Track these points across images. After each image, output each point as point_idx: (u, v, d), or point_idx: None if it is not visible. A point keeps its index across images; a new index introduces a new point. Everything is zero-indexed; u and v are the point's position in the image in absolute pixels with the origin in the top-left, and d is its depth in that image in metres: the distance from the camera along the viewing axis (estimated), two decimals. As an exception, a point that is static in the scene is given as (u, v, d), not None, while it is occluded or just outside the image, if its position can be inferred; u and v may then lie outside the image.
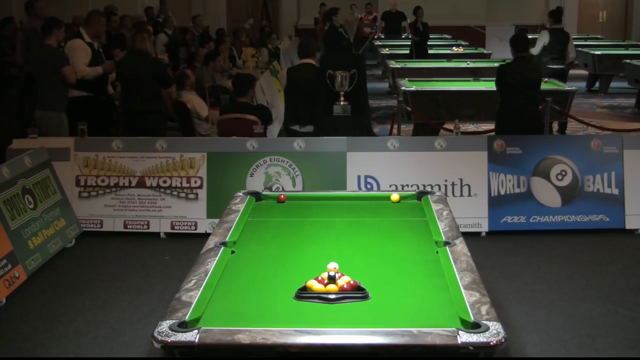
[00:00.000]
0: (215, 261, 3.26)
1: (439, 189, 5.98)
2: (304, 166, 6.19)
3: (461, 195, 6.14)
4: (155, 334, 2.53)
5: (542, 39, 9.98)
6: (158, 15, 13.95)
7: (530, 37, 18.91)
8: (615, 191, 6.13)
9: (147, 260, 5.60)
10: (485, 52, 15.10)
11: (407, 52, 14.54)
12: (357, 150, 6.20)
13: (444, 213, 3.99)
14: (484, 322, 2.57)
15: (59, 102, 6.89)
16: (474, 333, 2.48)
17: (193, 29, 13.46)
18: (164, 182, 6.17)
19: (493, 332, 2.50)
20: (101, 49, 7.88)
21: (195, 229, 6.12)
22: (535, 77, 7.04)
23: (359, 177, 6.15)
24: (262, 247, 3.62)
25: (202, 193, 6.15)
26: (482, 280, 3.02)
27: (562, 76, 9.74)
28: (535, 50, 9.87)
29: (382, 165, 6.17)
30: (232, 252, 3.48)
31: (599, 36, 19.17)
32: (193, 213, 6.14)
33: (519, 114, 6.88)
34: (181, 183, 6.17)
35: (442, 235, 3.61)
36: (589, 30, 21.07)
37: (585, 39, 17.23)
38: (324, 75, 6.69)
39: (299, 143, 6.26)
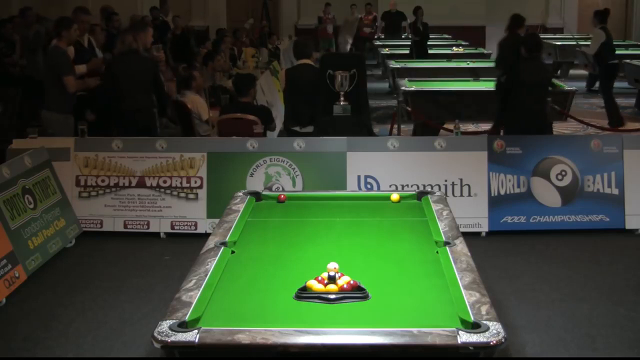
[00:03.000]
0: (215, 261, 3.26)
1: (439, 189, 5.98)
2: (304, 166, 6.19)
3: (461, 195, 6.14)
4: (155, 334, 2.53)
5: (599, 39, 10.45)
6: (159, 15, 13.96)
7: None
8: (615, 191, 6.13)
9: (147, 260, 5.60)
10: (485, 52, 15.09)
11: (407, 52, 14.54)
12: (357, 150, 6.20)
13: (444, 213, 3.99)
14: (484, 322, 2.57)
15: (65, 103, 6.78)
16: (474, 333, 2.48)
17: (174, 30, 13.44)
18: (164, 182, 6.17)
19: (493, 332, 2.50)
20: (94, 41, 7.83)
21: (195, 229, 6.12)
22: (547, 77, 7.13)
23: (359, 177, 6.15)
24: (262, 247, 3.62)
25: (202, 193, 6.15)
26: (482, 280, 3.02)
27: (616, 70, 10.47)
28: (592, 50, 10.46)
29: (382, 165, 6.17)
30: (232, 252, 3.48)
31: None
32: (193, 213, 6.14)
33: (531, 113, 6.90)
34: (181, 183, 6.17)
35: (442, 235, 3.61)
36: (589, 30, 21.05)
37: (586, 39, 17.21)
38: (324, 75, 6.69)
39: (299, 143, 6.26)
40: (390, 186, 6.04)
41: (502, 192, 6.12)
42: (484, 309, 2.69)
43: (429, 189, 5.36)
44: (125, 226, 6.17)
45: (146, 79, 6.71)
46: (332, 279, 2.89)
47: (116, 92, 6.69)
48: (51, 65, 6.78)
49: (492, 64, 10.36)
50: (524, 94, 6.90)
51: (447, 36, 18.11)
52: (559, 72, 15.40)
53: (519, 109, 6.93)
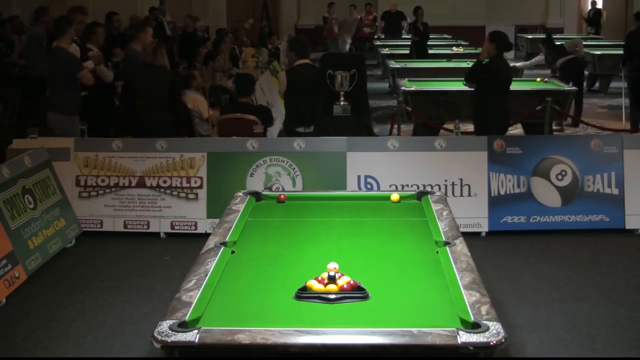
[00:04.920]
0: (215, 261, 3.26)
1: (439, 189, 5.98)
2: (304, 166, 6.19)
3: (461, 195, 6.14)
4: (155, 334, 2.53)
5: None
6: (157, 15, 13.96)
7: (531, 36, 18.90)
8: (615, 191, 6.13)
9: (147, 260, 5.60)
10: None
11: (407, 52, 14.54)
12: (357, 150, 6.20)
13: (444, 213, 3.99)
14: (484, 322, 2.57)
15: (72, 105, 6.77)
16: (474, 333, 2.48)
17: (184, 27, 13.45)
18: (164, 182, 6.17)
19: (493, 332, 2.50)
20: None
21: (195, 229, 6.12)
22: (512, 75, 7.18)
23: (359, 177, 6.15)
24: (262, 247, 3.62)
25: (202, 193, 6.15)
26: (482, 280, 3.02)
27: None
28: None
29: (382, 165, 6.17)
30: (232, 252, 3.48)
31: (599, 36, 19.18)
32: (193, 213, 6.14)
33: (506, 111, 6.96)
34: (181, 183, 6.17)
35: (442, 235, 3.61)
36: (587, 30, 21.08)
37: (585, 39, 17.22)
38: (324, 75, 6.69)
39: (299, 143, 6.26)
40: (390, 186, 6.04)
41: (502, 192, 6.12)
42: (484, 309, 2.69)
43: (429, 189, 5.36)
44: (125, 226, 6.16)
45: (166, 94, 6.53)
46: (332, 279, 2.89)
47: (136, 105, 6.58)
48: (58, 66, 6.71)
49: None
50: (500, 93, 6.91)
51: (447, 36, 18.11)
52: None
53: (493, 108, 6.93)
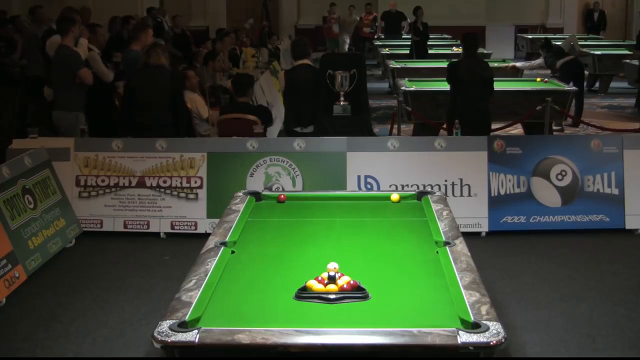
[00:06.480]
0: (215, 261, 3.26)
1: (439, 189, 5.98)
2: (304, 166, 6.19)
3: (461, 195, 6.14)
4: (155, 334, 2.53)
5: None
6: (157, 15, 13.97)
7: (531, 36, 18.93)
8: (615, 191, 6.13)
9: (147, 260, 5.60)
10: (485, 52, 15.08)
11: (407, 52, 14.54)
12: (357, 150, 6.20)
13: (444, 213, 3.99)
14: (484, 322, 2.57)
15: (76, 102, 6.84)
16: (474, 333, 2.48)
17: (173, 28, 13.46)
18: (164, 182, 6.17)
19: (493, 332, 2.50)
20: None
21: (195, 229, 6.12)
22: (487, 74, 7.26)
23: (359, 177, 6.15)
24: (262, 247, 3.62)
25: (202, 193, 6.15)
26: (482, 280, 3.02)
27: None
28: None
29: (382, 165, 6.17)
30: (232, 252, 3.48)
31: (599, 36, 19.18)
32: (193, 213, 6.14)
33: (472, 109, 7.05)
34: (181, 183, 6.17)
35: (442, 235, 3.62)
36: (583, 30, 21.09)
37: (586, 39, 17.23)
38: (324, 75, 6.68)
39: (299, 143, 6.26)
40: (390, 186, 6.04)
41: (502, 192, 6.12)
42: (484, 309, 2.69)
43: (429, 189, 5.36)
44: (125, 226, 6.16)
45: (166, 94, 6.50)
46: (332, 279, 2.89)
47: (136, 105, 6.54)
48: (62, 64, 6.78)
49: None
50: (465, 91, 7.05)
51: (447, 36, 18.10)
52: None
53: (460, 106, 7.10)
